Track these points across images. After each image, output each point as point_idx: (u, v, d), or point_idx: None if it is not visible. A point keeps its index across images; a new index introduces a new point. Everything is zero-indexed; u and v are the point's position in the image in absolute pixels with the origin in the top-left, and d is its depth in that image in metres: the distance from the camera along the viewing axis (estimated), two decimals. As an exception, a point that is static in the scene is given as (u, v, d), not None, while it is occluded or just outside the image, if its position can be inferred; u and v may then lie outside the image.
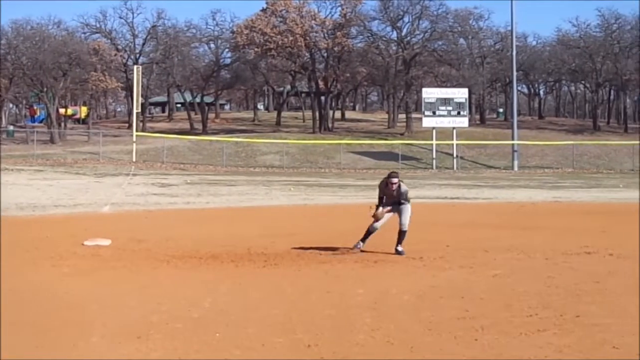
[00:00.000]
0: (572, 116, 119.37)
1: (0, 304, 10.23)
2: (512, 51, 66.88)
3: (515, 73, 68.14)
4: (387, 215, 15.48)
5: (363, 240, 15.39)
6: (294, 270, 13.30)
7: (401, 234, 15.30)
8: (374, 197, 32.89)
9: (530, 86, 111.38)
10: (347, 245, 15.77)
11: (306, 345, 8.31)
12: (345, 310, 10.03)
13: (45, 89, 73.31)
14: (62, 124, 78.79)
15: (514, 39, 67.20)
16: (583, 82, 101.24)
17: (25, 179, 41.09)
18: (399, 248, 15.16)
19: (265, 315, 9.75)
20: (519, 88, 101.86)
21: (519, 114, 75.88)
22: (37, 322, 9.46)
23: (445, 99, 63.56)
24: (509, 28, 71.03)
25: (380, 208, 15.46)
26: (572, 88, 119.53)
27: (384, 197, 15.59)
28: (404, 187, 15.59)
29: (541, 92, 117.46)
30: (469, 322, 9.27)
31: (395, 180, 15.46)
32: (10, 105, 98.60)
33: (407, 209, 15.42)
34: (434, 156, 62.43)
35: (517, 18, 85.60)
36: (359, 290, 11.31)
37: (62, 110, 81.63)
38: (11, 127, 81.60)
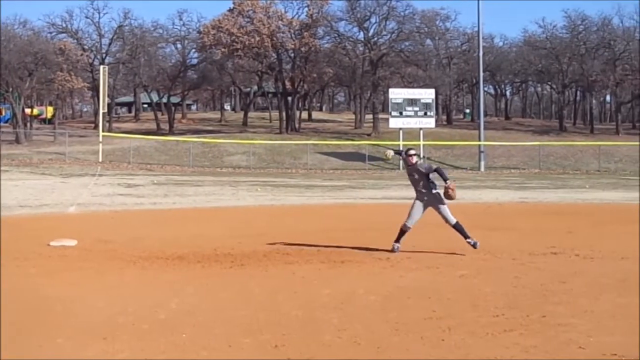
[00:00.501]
0: (538, 117, 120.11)
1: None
2: (478, 52, 67.19)
3: (481, 74, 68.45)
4: (419, 212, 15.30)
5: (397, 240, 15.30)
6: (260, 270, 13.28)
7: (457, 229, 15.13)
8: (341, 197, 32.91)
9: (497, 87, 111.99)
10: (313, 245, 15.78)
11: (273, 345, 8.30)
12: (312, 310, 10.02)
13: (10, 89, 72.88)
14: (28, 124, 78.36)
15: (481, 40, 67.51)
16: (549, 83, 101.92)
17: (-11, 179, 40.81)
18: (470, 241, 15.02)
19: (232, 316, 9.72)
20: (486, 89, 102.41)
21: (485, 115, 76.25)
22: (1, 322, 9.39)
23: (412, 99, 63.71)
24: (476, 29, 71.46)
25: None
26: (539, 89, 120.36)
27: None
28: (424, 164, 15.58)
29: (508, 93, 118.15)
30: (436, 323, 9.29)
31: (412, 152, 15.50)
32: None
33: (443, 207, 15.13)
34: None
35: (484, 19, 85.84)
36: (326, 290, 11.31)
37: (28, 110, 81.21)
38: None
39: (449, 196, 15.04)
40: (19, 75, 73.46)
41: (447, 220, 15.09)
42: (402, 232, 15.24)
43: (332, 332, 8.85)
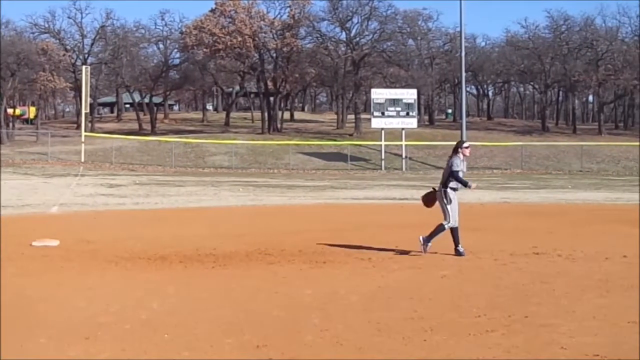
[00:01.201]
0: (520, 117, 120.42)
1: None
2: (460, 52, 67.27)
3: (464, 74, 68.51)
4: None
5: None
6: (242, 271, 13.27)
7: (451, 232, 14.91)
8: (323, 197, 32.92)
9: (479, 87, 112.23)
10: (295, 246, 15.80)
11: (255, 346, 8.30)
12: (294, 311, 10.02)
13: (-8, 89, 72.79)
14: (11, 124, 78.17)
15: (463, 40, 67.59)
16: (532, 83, 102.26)
17: (-29, 179, 40.69)
18: (459, 249, 14.84)
19: (214, 316, 9.72)
20: (468, 89, 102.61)
21: (467, 115, 76.45)
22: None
23: (394, 99, 63.82)
24: (458, 29, 71.63)
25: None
26: (521, 89, 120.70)
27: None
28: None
29: (490, 93, 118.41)
30: (418, 323, 9.30)
31: (467, 143, 15.40)
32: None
33: (449, 206, 14.86)
34: (383, 157, 62.69)
35: (466, 19, 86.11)
36: (308, 290, 11.31)
37: (10, 111, 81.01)
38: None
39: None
40: (1, 76, 73.32)
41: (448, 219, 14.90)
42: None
43: (314, 333, 8.86)
